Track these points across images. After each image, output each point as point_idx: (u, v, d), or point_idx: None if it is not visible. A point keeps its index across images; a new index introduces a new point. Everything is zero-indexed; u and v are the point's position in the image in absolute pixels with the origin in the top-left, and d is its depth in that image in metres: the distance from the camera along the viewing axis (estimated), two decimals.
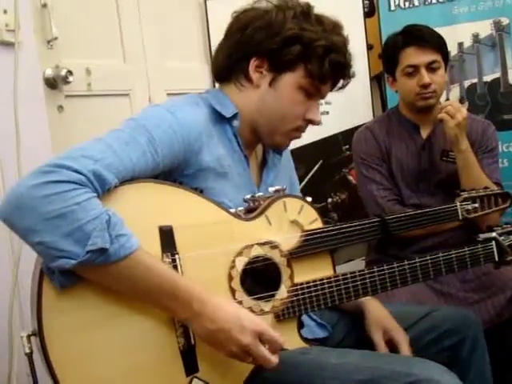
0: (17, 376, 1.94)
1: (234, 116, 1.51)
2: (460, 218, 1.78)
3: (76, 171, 1.18)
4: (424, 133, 2.41)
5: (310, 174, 3.01)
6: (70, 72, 2.19)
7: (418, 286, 2.22)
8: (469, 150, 2.23)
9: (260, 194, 1.46)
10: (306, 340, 1.46)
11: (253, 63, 1.49)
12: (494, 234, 1.60)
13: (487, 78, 2.89)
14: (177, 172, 1.40)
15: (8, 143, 1.94)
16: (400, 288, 2.10)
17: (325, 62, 1.46)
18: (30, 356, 1.29)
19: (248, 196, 1.45)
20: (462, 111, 2.21)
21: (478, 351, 1.57)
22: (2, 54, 1.98)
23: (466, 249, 1.55)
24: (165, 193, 1.34)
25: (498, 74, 2.87)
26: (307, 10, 1.50)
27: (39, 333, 1.19)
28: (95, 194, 1.20)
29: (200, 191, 1.41)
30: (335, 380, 1.30)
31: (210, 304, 1.25)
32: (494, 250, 1.59)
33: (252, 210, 1.43)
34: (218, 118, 1.50)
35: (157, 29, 2.74)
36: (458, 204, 1.79)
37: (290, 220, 1.44)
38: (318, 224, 1.47)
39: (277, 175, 1.64)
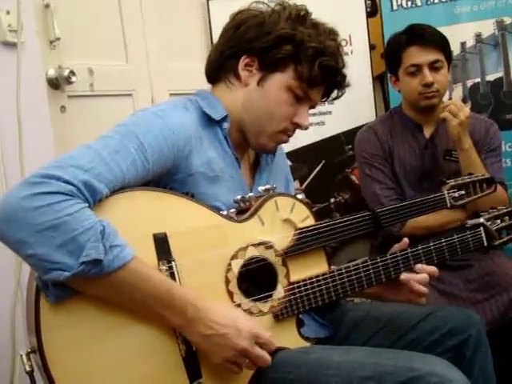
0: None
1: (224, 118, 1.50)
2: (448, 205, 1.78)
3: (66, 182, 1.17)
4: (427, 132, 2.41)
5: (312, 174, 3.01)
6: (72, 72, 2.20)
7: None
8: (472, 149, 2.23)
9: (250, 194, 1.46)
10: (306, 338, 1.46)
11: (243, 61, 1.49)
12: (481, 220, 1.61)
13: (490, 78, 2.89)
14: (167, 177, 1.40)
15: (11, 143, 1.95)
16: None
17: (315, 65, 1.45)
18: (31, 374, 1.29)
19: (238, 197, 1.45)
20: (465, 110, 2.21)
21: (482, 351, 1.56)
22: (5, 54, 1.99)
23: (456, 236, 1.57)
24: (156, 200, 1.33)
25: (500, 74, 2.87)
26: (303, 14, 1.50)
27: (39, 350, 1.18)
28: (87, 205, 1.19)
29: (191, 195, 1.41)
30: (339, 377, 1.30)
31: (204, 309, 1.26)
32: (483, 235, 1.60)
33: (243, 211, 1.44)
34: (208, 121, 1.50)
35: (159, 29, 2.75)
36: (446, 192, 1.79)
37: (283, 219, 1.45)
38: (311, 221, 1.48)
39: (270, 175, 1.64)
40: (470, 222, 1.62)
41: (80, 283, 1.18)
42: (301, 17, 1.49)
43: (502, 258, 2.30)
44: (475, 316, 1.61)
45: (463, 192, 1.81)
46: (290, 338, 1.43)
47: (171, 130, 1.38)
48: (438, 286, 2.25)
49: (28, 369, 1.28)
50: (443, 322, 1.56)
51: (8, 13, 1.99)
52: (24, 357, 1.27)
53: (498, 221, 1.66)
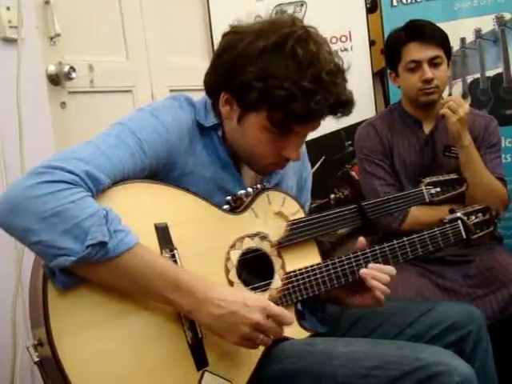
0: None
1: (214, 127, 1.49)
2: (427, 200, 1.90)
3: (69, 172, 1.19)
4: (426, 128, 2.41)
5: (312, 170, 2.99)
6: (72, 68, 2.20)
7: (421, 281, 2.24)
8: (471, 145, 2.23)
9: (241, 191, 1.47)
10: (305, 328, 1.49)
11: (222, 98, 1.43)
12: (458, 214, 1.71)
13: (490, 73, 2.88)
14: (163, 175, 1.41)
15: (11, 139, 1.95)
16: (403, 284, 2.15)
17: (286, 111, 1.33)
18: (40, 364, 1.28)
19: (228, 197, 1.46)
20: (464, 106, 2.21)
21: (482, 346, 1.57)
22: (5, 50, 1.99)
23: (436, 229, 1.65)
24: (156, 192, 1.36)
25: (500, 69, 2.86)
26: (284, 40, 1.34)
27: (49, 341, 1.18)
28: (89, 193, 1.21)
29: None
30: (345, 367, 1.32)
31: (212, 290, 1.27)
32: (461, 228, 1.69)
33: (235, 209, 1.46)
34: (203, 126, 1.49)
35: (159, 25, 2.74)
36: (424, 188, 1.89)
37: (275, 212, 1.49)
38: (301, 214, 1.53)
39: (284, 176, 1.63)
40: (448, 218, 1.70)
41: (86, 269, 1.19)
42: (278, 45, 1.34)
43: (502, 254, 2.31)
44: (476, 311, 1.61)
45: (438, 189, 1.94)
46: (290, 328, 1.43)
47: (165, 128, 1.40)
48: (438, 281, 2.26)
49: (36, 359, 1.27)
50: (444, 317, 1.57)
51: (8, 9, 1.99)
52: (31, 348, 1.27)
53: (473, 217, 1.74)
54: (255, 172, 1.55)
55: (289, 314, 1.34)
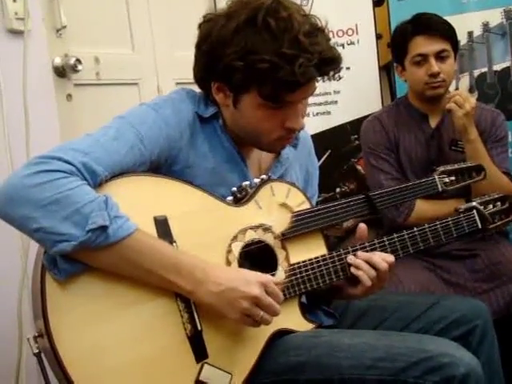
0: (26, 375, 1.96)
1: (214, 115, 1.49)
2: (440, 189, 1.82)
3: (66, 162, 1.20)
4: (433, 122, 2.40)
5: (318, 164, 3.00)
6: (78, 61, 2.20)
7: (426, 275, 2.24)
8: (478, 139, 2.22)
9: (246, 182, 1.47)
10: (309, 321, 1.48)
11: (213, 87, 1.44)
12: (473, 204, 1.67)
13: (497, 67, 2.87)
14: (164, 168, 1.42)
15: (17, 131, 1.95)
16: (409, 278, 2.15)
17: (273, 83, 1.33)
18: (38, 356, 1.29)
19: (234, 188, 1.46)
20: (471, 101, 2.20)
21: (488, 341, 1.57)
22: (12, 42, 1.99)
23: (450, 219, 1.61)
24: (157, 184, 1.36)
25: (508, 63, 2.85)
26: (254, 15, 1.34)
27: (47, 333, 1.19)
28: (86, 183, 1.22)
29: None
30: (351, 359, 1.32)
31: (212, 269, 1.28)
32: (476, 217, 1.65)
33: (240, 200, 1.45)
34: (203, 117, 1.49)
35: (166, 18, 2.74)
36: (436, 177, 1.82)
37: (279, 203, 1.47)
38: (307, 206, 1.51)
39: (289, 168, 1.62)
40: (463, 207, 1.66)
41: (87, 255, 1.20)
42: (250, 21, 1.34)
43: (507, 248, 2.30)
44: (482, 306, 1.61)
45: (453, 178, 1.85)
46: (293, 320, 1.45)
47: (165, 122, 1.40)
48: (443, 275, 2.26)
49: (35, 351, 1.28)
50: (450, 312, 1.57)
51: (15, 0, 1.99)
52: (31, 340, 1.28)
53: (491, 206, 1.69)
54: (267, 151, 1.54)
55: (281, 294, 1.33)
